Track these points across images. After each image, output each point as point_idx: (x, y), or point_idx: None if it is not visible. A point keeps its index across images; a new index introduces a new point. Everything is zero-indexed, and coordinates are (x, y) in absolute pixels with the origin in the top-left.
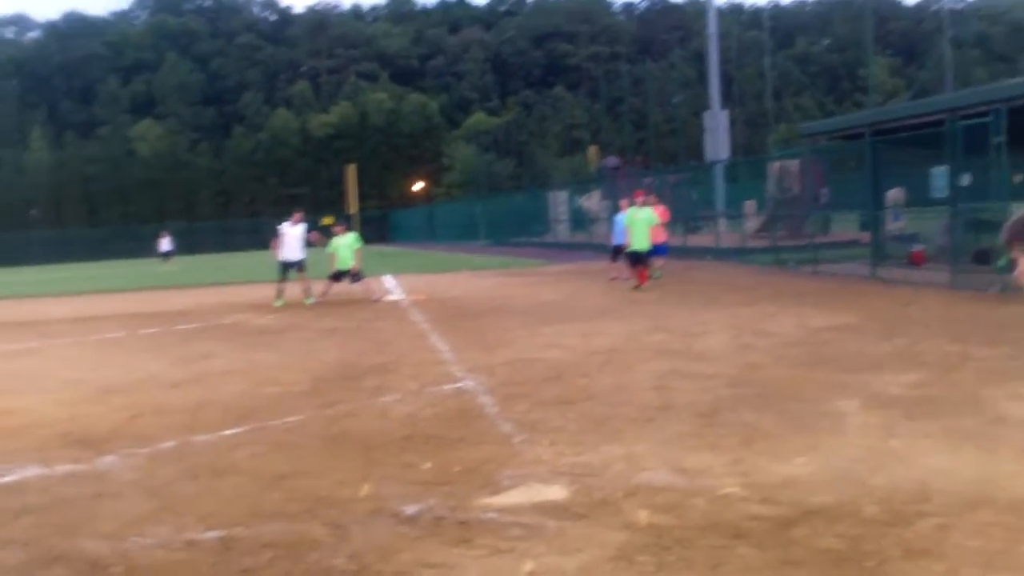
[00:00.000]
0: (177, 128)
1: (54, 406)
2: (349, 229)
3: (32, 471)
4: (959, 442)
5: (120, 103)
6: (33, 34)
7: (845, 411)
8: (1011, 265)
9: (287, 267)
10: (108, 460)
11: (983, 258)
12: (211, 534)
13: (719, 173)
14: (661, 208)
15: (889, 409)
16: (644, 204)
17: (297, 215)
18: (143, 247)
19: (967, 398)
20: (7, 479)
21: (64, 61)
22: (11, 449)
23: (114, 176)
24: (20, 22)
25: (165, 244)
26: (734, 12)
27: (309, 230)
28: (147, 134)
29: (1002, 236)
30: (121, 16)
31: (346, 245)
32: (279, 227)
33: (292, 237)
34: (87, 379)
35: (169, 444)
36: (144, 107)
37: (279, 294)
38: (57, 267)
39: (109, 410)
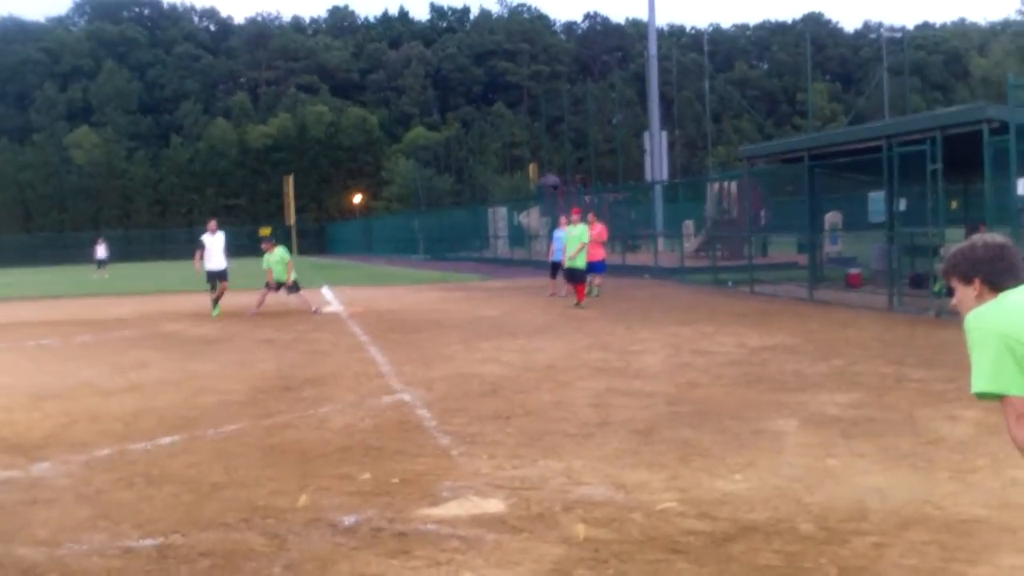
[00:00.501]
0: (114, 136)
1: None
2: (277, 243)
3: None
4: (895, 462)
5: (56, 109)
6: None
7: (782, 430)
8: (950, 291)
9: (213, 277)
10: (43, 466)
11: (919, 282)
12: (147, 542)
13: (658, 193)
14: (600, 226)
15: (826, 428)
16: (578, 222)
17: (212, 223)
18: (79, 254)
19: (903, 419)
20: None
21: None
22: None
23: (50, 183)
24: None
25: (101, 252)
26: (674, 34)
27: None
28: (83, 141)
29: (941, 267)
30: (58, 22)
31: (278, 259)
32: (201, 238)
33: (213, 247)
34: (21, 385)
35: (105, 451)
36: (81, 114)
37: (215, 304)
38: None
39: (43, 416)
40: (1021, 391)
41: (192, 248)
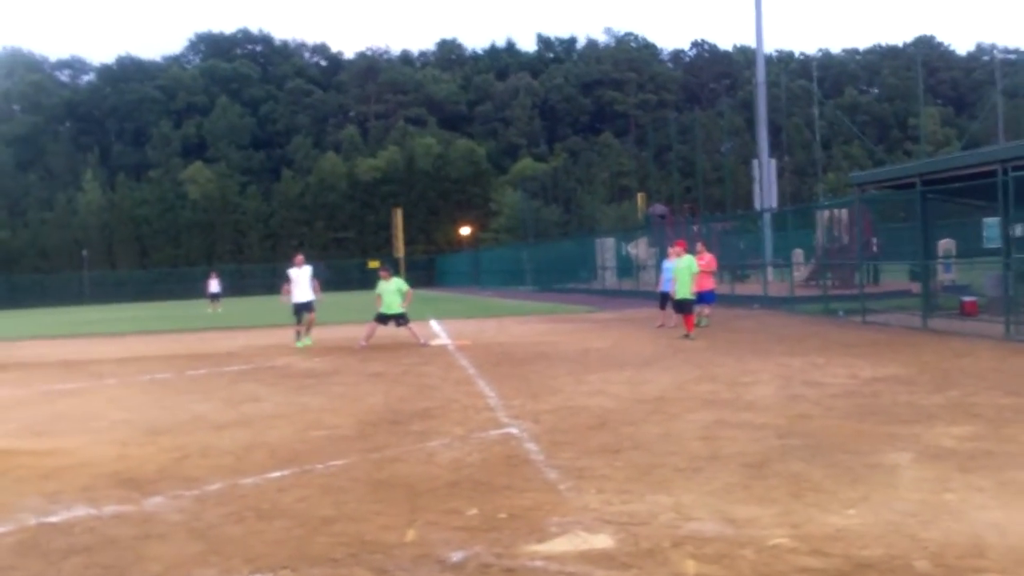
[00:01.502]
0: (227, 171)
1: (102, 446)
2: (394, 274)
3: (80, 511)
4: (1015, 497)
5: (172, 146)
6: (87, 77)
7: (897, 463)
8: None
9: (299, 310)
10: (155, 501)
11: None
12: None
13: (767, 221)
14: (708, 256)
15: (942, 462)
16: (683, 254)
17: (298, 257)
18: (192, 288)
19: (1023, 452)
20: (56, 518)
21: (117, 104)
22: (60, 489)
23: (165, 218)
24: (75, 65)
25: (214, 286)
26: (783, 60)
27: (314, 275)
28: (197, 177)
29: None
30: (173, 60)
31: (391, 290)
32: (288, 272)
33: (300, 280)
34: (135, 420)
35: (216, 486)
36: (195, 150)
37: (298, 335)
38: (108, 307)
39: (157, 451)
40: None
41: (311, 282)
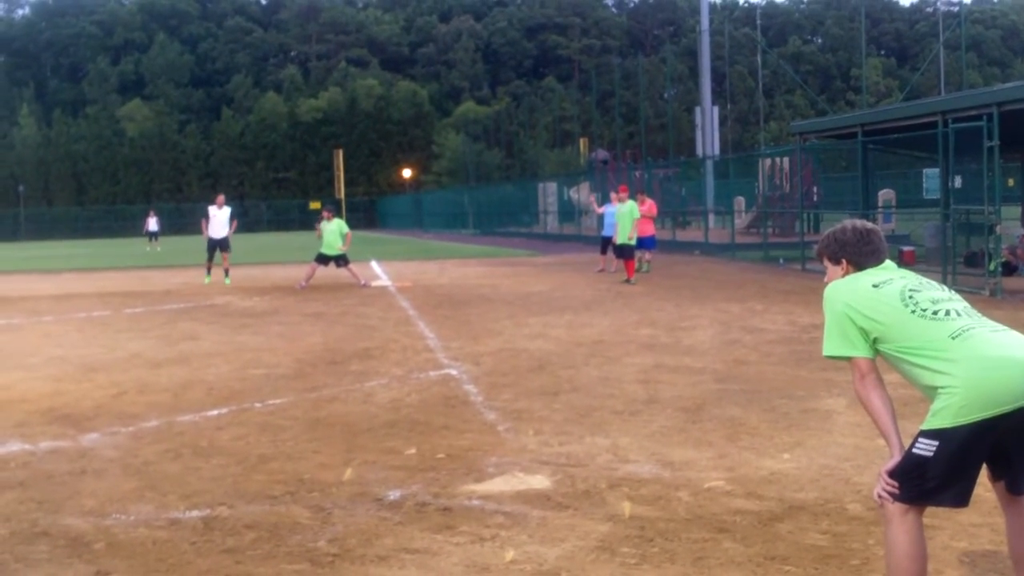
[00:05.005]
0: (165, 109)
1: (37, 382)
2: (336, 215)
3: (14, 446)
4: None
5: (109, 82)
6: (23, 11)
7: (832, 409)
8: (1007, 270)
9: (214, 247)
10: (91, 437)
11: (974, 260)
12: (193, 513)
13: (709, 169)
14: (649, 202)
15: None
16: (626, 200)
17: (220, 198)
18: (131, 226)
19: None
20: None
21: (53, 39)
22: None
23: (102, 155)
24: None
25: (152, 224)
26: (727, 8)
27: (233, 216)
28: (135, 114)
29: (815, 248)
30: None
31: (332, 230)
32: (208, 208)
33: (218, 219)
34: (71, 356)
35: (153, 423)
36: (133, 87)
37: (208, 271)
38: (44, 244)
39: (93, 387)
40: (864, 353)
41: (248, 221)
